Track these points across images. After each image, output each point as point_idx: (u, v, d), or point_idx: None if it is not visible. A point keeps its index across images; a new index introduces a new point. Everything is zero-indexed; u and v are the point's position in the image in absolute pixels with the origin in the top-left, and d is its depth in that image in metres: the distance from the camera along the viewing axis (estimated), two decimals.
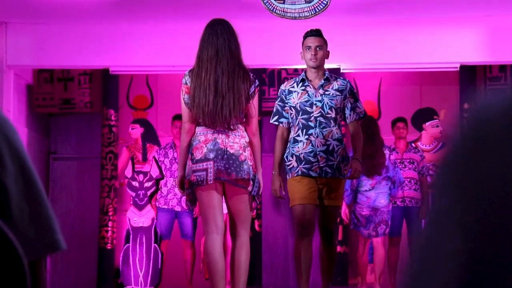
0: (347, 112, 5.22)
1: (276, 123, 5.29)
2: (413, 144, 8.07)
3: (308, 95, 5.18)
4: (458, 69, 7.94)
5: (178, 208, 7.63)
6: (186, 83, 4.62)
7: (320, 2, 6.12)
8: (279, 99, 5.29)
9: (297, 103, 5.17)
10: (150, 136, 8.73)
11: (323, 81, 5.21)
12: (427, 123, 8.55)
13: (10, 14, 7.62)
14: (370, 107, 8.78)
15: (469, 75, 8.28)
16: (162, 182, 7.62)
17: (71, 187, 8.85)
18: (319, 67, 5.22)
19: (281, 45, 7.48)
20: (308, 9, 6.54)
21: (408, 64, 7.97)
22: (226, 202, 4.58)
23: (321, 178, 5.12)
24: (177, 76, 8.85)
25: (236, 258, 4.50)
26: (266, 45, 7.48)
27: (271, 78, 8.65)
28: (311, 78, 5.24)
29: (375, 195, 7.40)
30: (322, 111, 5.15)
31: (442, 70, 8.15)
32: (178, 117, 7.84)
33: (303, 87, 5.22)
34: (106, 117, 8.47)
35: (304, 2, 6.54)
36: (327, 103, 5.15)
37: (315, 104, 5.16)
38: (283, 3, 6.41)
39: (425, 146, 8.52)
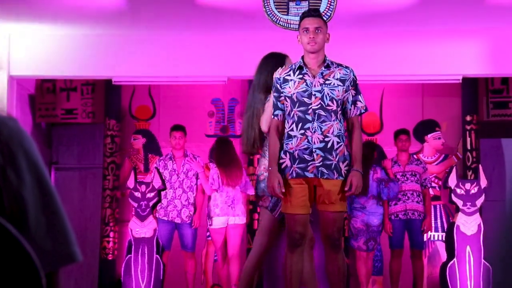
0: (348, 105, 4.68)
1: (271, 116, 4.77)
2: (415, 156, 8.04)
3: (306, 84, 4.64)
4: (461, 81, 7.95)
5: (178, 220, 7.62)
6: None
7: (323, 14, 6.13)
8: (273, 88, 4.76)
9: (294, 93, 4.64)
10: (152, 146, 8.74)
11: (323, 68, 4.67)
12: (429, 135, 8.55)
13: (13, 25, 7.64)
14: (372, 119, 8.79)
15: (471, 87, 8.29)
16: (162, 193, 7.61)
17: (73, 197, 8.85)
18: (318, 51, 4.67)
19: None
20: None
21: (410, 76, 7.97)
22: None
23: (317, 179, 4.60)
24: (179, 87, 8.86)
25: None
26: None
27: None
28: (310, 65, 4.69)
29: (368, 213, 7.53)
30: (322, 102, 4.60)
31: (445, 82, 8.15)
32: (176, 127, 7.84)
33: (301, 75, 4.67)
34: (108, 128, 8.48)
35: None
36: (328, 93, 4.61)
37: (314, 94, 4.62)
38: (287, 14, 6.42)
39: (427, 158, 8.52)
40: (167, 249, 7.66)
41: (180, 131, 7.76)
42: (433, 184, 8.33)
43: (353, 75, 4.72)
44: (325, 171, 4.57)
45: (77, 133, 8.98)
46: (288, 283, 4.73)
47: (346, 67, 4.75)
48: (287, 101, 4.68)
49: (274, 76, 4.80)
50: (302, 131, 4.59)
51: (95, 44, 7.86)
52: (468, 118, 8.26)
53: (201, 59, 7.84)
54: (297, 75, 4.68)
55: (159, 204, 7.58)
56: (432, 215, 7.96)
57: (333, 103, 4.60)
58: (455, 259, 6.96)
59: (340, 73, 4.68)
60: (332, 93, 4.61)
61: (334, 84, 4.63)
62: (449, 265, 7.01)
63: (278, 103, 4.72)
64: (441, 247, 8.20)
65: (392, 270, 7.58)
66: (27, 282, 1.11)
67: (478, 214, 7.04)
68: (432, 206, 7.85)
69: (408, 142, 7.83)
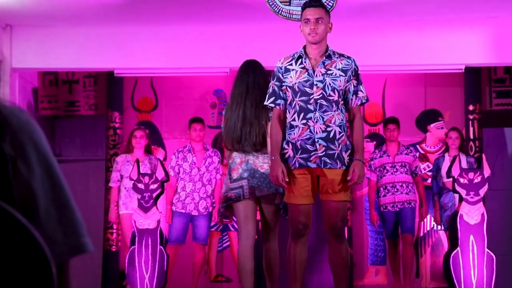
0: (349, 96, 4.65)
1: (272, 105, 4.72)
2: (404, 145, 7.84)
3: (308, 74, 4.62)
4: (463, 70, 7.93)
5: (195, 213, 7.62)
6: (224, 115, 5.36)
7: (326, 3, 6.12)
8: (275, 78, 4.72)
9: (295, 83, 4.62)
10: (154, 138, 8.73)
11: (324, 58, 4.65)
12: (432, 125, 8.53)
13: (15, 17, 7.63)
14: (374, 109, 8.78)
15: (474, 76, 8.27)
16: (179, 186, 7.61)
17: (76, 189, 8.84)
18: (319, 42, 4.64)
19: (287, 46, 7.47)
20: None
21: (413, 65, 7.95)
22: (260, 212, 5.36)
23: (320, 168, 4.59)
24: (181, 79, 8.86)
25: (267, 258, 5.28)
26: (271, 46, 7.46)
27: None
28: (311, 55, 4.67)
29: None
30: (323, 92, 4.58)
31: (447, 71, 8.13)
32: (195, 120, 7.81)
33: (302, 65, 4.66)
34: (111, 120, 8.47)
35: None
36: (330, 84, 4.59)
37: (316, 84, 4.60)
38: (289, 5, 6.41)
39: (430, 148, 8.51)
40: (182, 242, 7.66)
41: (200, 123, 7.73)
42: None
43: (355, 65, 4.70)
44: (328, 160, 4.58)
45: (79, 125, 8.97)
46: (292, 272, 4.76)
47: (348, 57, 4.73)
48: (288, 91, 4.67)
49: (276, 65, 4.79)
50: (304, 121, 4.58)
51: (97, 36, 7.85)
52: (471, 107, 8.24)
53: (203, 50, 7.83)
54: (299, 64, 4.67)
55: (176, 197, 7.59)
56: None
57: (334, 93, 4.60)
58: (458, 248, 6.96)
59: (342, 63, 4.66)
60: (334, 83, 4.60)
61: (336, 74, 4.62)
62: (452, 254, 7.02)
63: (280, 92, 4.70)
64: (444, 237, 8.20)
65: (400, 259, 7.57)
66: (37, 273, 1.11)
67: (481, 203, 7.04)
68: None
69: (397, 132, 7.63)
